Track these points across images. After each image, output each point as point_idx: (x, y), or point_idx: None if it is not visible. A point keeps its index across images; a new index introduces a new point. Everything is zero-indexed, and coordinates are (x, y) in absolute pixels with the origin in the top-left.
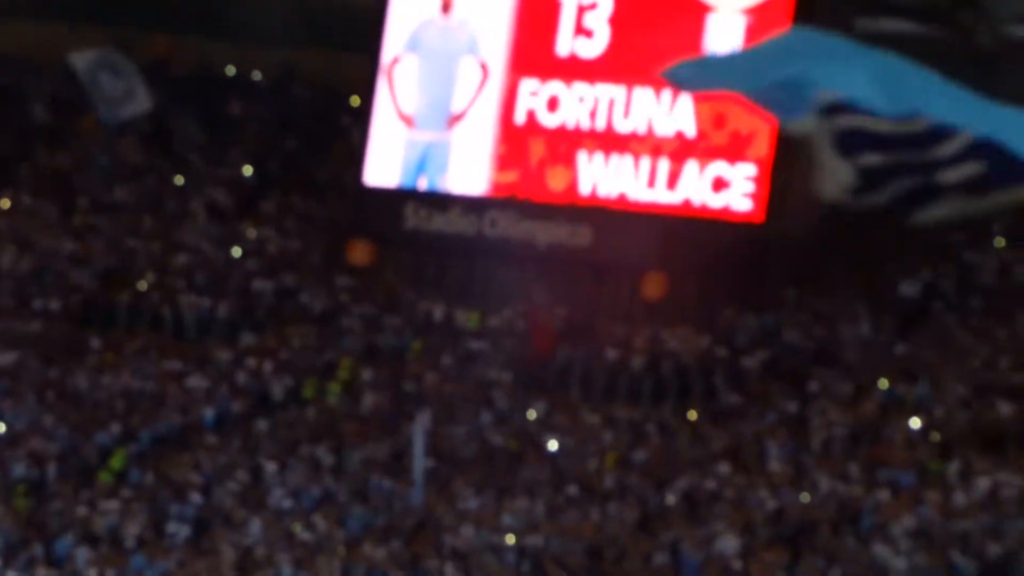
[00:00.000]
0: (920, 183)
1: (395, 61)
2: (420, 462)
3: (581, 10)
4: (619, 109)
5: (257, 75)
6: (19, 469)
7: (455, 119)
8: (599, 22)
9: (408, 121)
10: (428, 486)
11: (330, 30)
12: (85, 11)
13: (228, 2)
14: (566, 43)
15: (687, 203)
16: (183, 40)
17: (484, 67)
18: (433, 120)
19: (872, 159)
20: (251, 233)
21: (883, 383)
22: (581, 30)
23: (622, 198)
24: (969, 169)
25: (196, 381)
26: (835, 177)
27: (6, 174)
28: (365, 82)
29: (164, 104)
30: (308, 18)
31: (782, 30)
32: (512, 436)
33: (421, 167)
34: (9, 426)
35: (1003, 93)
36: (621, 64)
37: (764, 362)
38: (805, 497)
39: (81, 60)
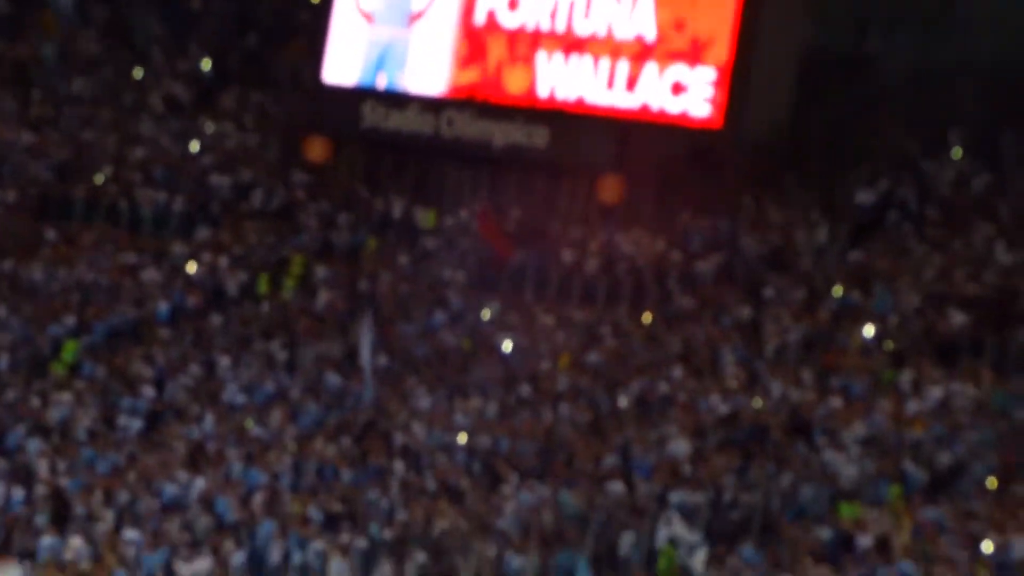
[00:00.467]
0: None
1: None
2: (367, 361)
3: None
4: (579, 10)
5: None
6: None
7: (415, 17)
8: None
9: (368, 17)
10: (380, 385)
11: None
12: None
13: None
14: None
15: (645, 107)
16: None
17: None
18: (393, 17)
19: None
20: (209, 128)
21: (837, 290)
22: None
23: (580, 101)
24: None
25: (151, 275)
26: None
27: None
28: None
29: None
30: None
31: None
32: (466, 336)
33: (380, 64)
34: None
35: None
36: None
37: (718, 267)
38: (757, 402)
39: None
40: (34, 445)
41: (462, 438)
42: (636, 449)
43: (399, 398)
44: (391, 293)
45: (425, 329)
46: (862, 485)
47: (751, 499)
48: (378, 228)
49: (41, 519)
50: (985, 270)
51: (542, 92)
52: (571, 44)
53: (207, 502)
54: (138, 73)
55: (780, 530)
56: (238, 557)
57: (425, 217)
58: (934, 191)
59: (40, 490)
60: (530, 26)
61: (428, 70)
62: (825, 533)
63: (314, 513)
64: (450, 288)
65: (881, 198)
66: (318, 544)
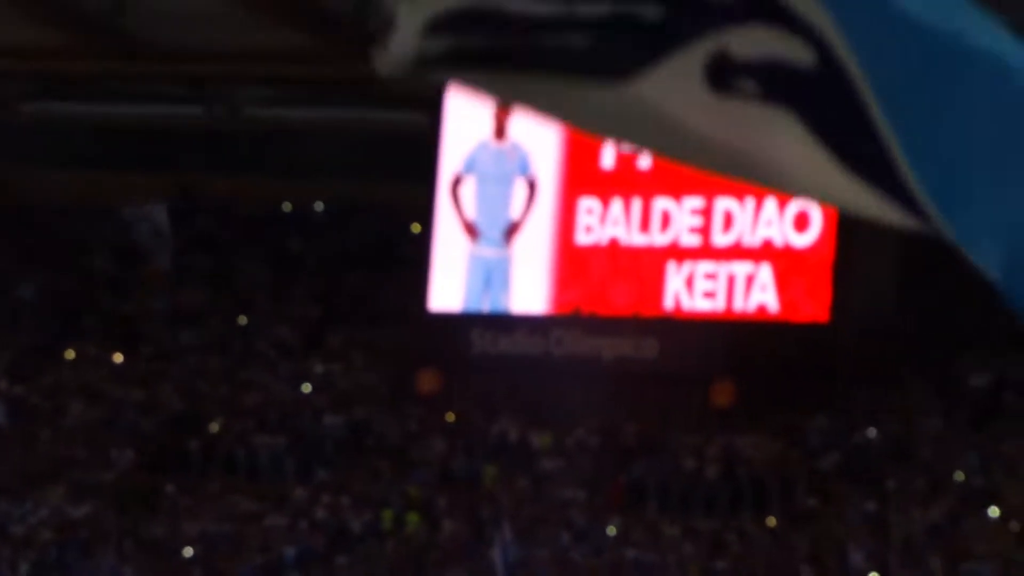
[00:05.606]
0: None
1: (458, 180)
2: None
3: None
4: (676, 220)
5: (319, 206)
6: None
7: (514, 238)
8: None
9: (472, 231)
10: None
11: (385, 159)
12: (144, 158)
13: (283, 137)
14: (618, 158)
15: (750, 308)
16: (240, 179)
17: (539, 186)
18: (493, 239)
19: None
20: (319, 369)
21: (959, 475)
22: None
23: (685, 308)
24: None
25: (274, 521)
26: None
27: (70, 324)
28: (423, 208)
29: (225, 245)
30: (363, 148)
31: None
32: (592, 554)
33: (484, 287)
34: None
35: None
36: (673, 175)
37: (839, 463)
38: None
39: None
40: None
41: None
42: None
43: None
44: (515, 517)
45: (552, 552)
46: None
47: None
48: (495, 454)
49: None
50: None
51: (646, 302)
52: (669, 254)
53: None
54: (244, 320)
55: None
56: None
57: (541, 439)
58: None
59: None
60: (628, 239)
61: (531, 290)
62: None
63: None
64: (572, 507)
65: (996, 380)
66: None
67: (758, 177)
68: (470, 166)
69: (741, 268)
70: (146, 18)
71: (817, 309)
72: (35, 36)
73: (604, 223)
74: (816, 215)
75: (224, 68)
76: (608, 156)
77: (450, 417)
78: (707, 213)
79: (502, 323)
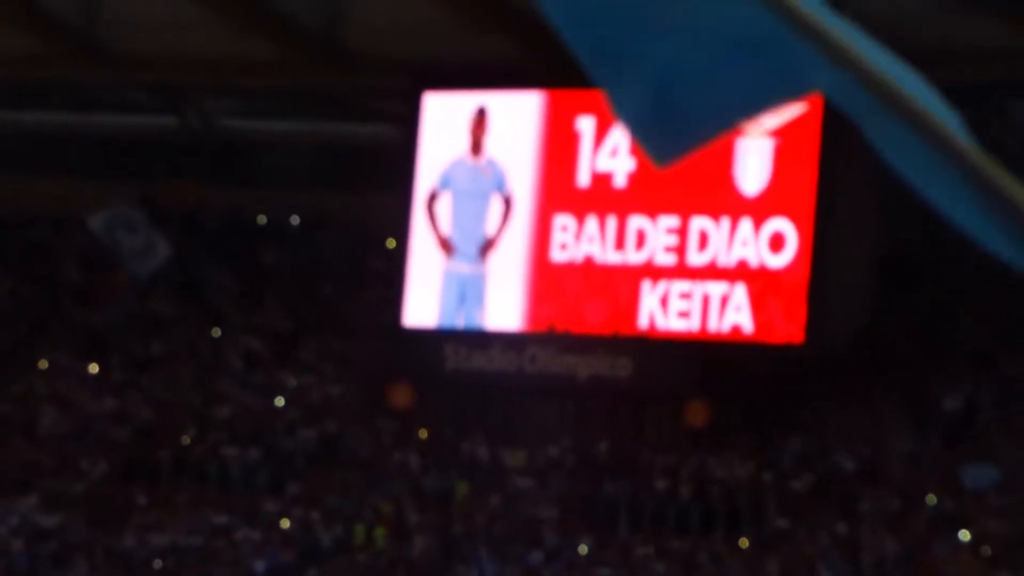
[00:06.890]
0: None
1: (433, 196)
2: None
3: (606, 144)
4: (652, 239)
5: (295, 219)
6: None
7: (489, 254)
8: (624, 153)
9: (447, 247)
10: None
11: (359, 172)
12: (110, 165)
13: (255, 148)
14: (595, 176)
15: (725, 328)
16: (211, 189)
17: (514, 203)
18: (468, 255)
19: None
20: (291, 381)
21: (931, 498)
22: (607, 163)
23: (660, 327)
24: None
25: (244, 534)
26: None
27: (41, 334)
28: (396, 222)
29: (195, 255)
30: (336, 161)
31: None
32: (564, 572)
33: (459, 303)
34: None
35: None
36: (649, 193)
37: (811, 484)
38: None
39: (96, 221)
40: None
41: None
42: None
43: None
44: (486, 534)
45: (524, 570)
46: None
47: None
48: (467, 470)
49: None
50: None
51: (621, 321)
52: (646, 272)
53: None
54: (215, 331)
55: None
56: None
57: (513, 456)
58: (1019, 389)
59: None
60: (604, 257)
61: (506, 308)
62: None
63: None
64: (544, 526)
65: (967, 401)
66: None
67: None
68: (446, 182)
69: (716, 288)
70: (116, 25)
71: (792, 330)
72: (3, 43)
73: (579, 240)
74: (792, 236)
75: (194, 78)
76: (584, 174)
77: (423, 433)
78: (682, 232)
79: (476, 339)
